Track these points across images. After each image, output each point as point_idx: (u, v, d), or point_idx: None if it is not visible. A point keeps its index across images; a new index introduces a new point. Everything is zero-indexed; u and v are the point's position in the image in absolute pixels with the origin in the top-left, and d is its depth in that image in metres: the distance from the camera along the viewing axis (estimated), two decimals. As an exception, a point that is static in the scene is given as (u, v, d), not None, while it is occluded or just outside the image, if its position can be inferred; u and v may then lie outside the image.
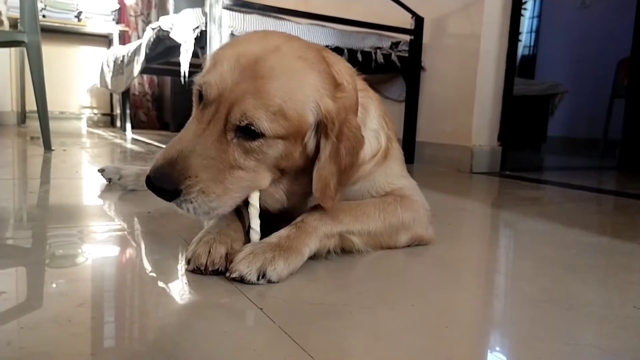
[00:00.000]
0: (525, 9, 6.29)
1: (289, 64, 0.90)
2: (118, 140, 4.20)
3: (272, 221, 1.10)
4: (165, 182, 0.84)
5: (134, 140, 4.27)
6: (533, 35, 6.55)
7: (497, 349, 0.71)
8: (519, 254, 1.23)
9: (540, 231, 1.47)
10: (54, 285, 0.84)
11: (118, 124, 5.87)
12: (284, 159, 0.92)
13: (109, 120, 6.17)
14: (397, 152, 1.19)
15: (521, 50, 6.32)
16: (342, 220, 1.01)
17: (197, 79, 0.93)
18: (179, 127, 5.29)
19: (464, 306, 0.87)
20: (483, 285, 1.00)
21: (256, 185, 0.94)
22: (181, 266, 0.96)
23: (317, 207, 1.01)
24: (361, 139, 0.98)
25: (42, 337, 0.64)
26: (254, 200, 0.96)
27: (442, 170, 3.05)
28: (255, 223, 0.97)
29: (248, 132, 0.87)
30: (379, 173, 1.13)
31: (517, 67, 3.09)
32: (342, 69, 1.02)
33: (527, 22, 6.50)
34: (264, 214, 1.06)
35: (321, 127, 0.92)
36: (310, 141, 0.93)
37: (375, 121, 1.12)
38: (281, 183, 0.98)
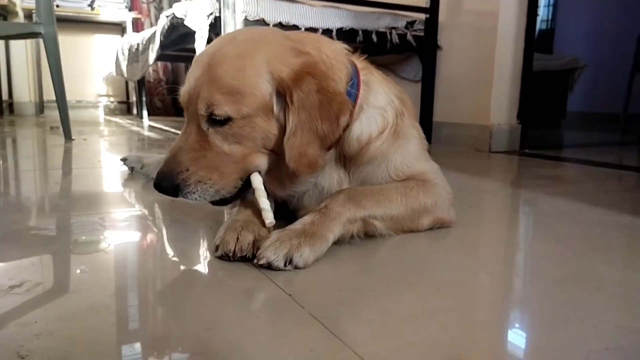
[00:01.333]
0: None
1: (240, 48, 0.96)
2: (135, 128, 4.25)
3: (295, 210, 1.12)
4: (164, 182, 0.94)
5: (151, 128, 4.31)
6: (551, 8, 6.40)
7: (522, 330, 0.72)
8: (542, 235, 1.22)
9: (562, 211, 1.46)
10: (85, 273, 0.87)
11: (134, 111, 5.92)
12: (265, 138, 0.96)
13: (125, 107, 6.22)
14: (413, 132, 1.18)
15: (539, 24, 6.18)
16: (364, 206, 1.02)
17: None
18: (195, 113, 5.25)
19: (488, 288, 0.88)
20: (506, 268, 1.00)
21: (252, 167, 0.98)
22: (208, 253, 0.98)
23: (340, 194, 1.02)
24: (343, 103, 0.97)
25: (82, 326, 0.66)
26: (257, 182, 0.99)
27: (461, 150, 3.02)
28: (265, 203, 0.99)
29: (217, 119, 0.93)
30: (394, 153, 1.12)
31: (535, 43, 3.03)
32: (324, 45, 1.04)
33: (544, -5, 6.35)
34: (285, 203, 1.08)
35: (282, 96, 0.94)
36: (279, 113, 0.95)
37: (381, 98, 1.11)
38: (281, 165, 0.98)
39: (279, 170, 1.00)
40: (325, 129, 0.95)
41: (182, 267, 0.93)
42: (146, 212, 1.33)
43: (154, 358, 0.61)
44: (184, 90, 0.97)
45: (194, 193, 0.94)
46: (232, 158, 0.95)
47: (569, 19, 6.20)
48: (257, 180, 0.99)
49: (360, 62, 1.12)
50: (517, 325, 0.73)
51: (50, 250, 0.99)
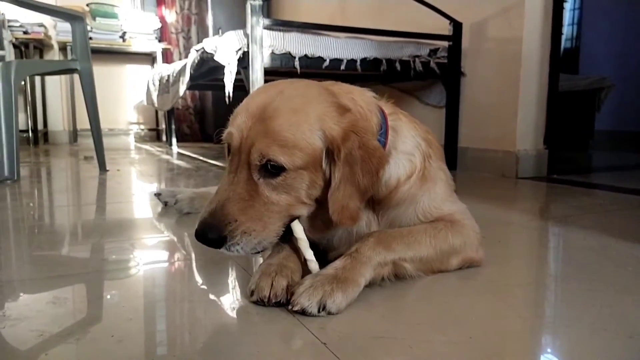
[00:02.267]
0: (566, 1, 6.13)
1: (291, 102, 0.98)
2: (165, 156, 4.36)
3: (326, 251, 1.15)
4: (211, 233, 0.94)
5: (180, 155, 4.42)
6: (575, 27, 6.36)
7: (557, 382, 0.73)
8: (572, 274, 1.22)
9: (592, 246, 1.45)
10: (131, 320, 0.91)
11: (164, 138, 6.08)
12: (311, 187, 0.99)
13: (155, 134, 6.39)
14: (440, 174, 1.21)
15: (563, 43, 6.15)
16: (394, 249, 1.05)
17: (223, 135, 1.03)
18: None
19: (520, 334, 0.89)
20: (538, 313, 1.01)
21: (295, 215, 1.01)
22: (243, 297, 1.01)
23: (370, 237, 1.05)
24: (382, 158, 1.01)
25: (100, 350, 0.70)
26: (299, 233, 1.03)
27: (487, 176, 3.02)
28: (309, 254, 1.03)
29: (270, 169, 0.95)
30: (422, 196, 1.15)
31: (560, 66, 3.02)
32: (357, 96, 1.09)
33: (568, 14, 6.31)
34: (315, 244, 1.11)
35: (330, 152, 0.97)
36: (326, 167, 0.99)
37: (408, 142, 1.15)
38: (320, 213, 1.03)
39: (316, 217, 1.04)
40: (366, 182, 0.99)
41: (218, 311, 0.97)
42: (182, 251, 1.38)
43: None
44: (234, 137, 0.98)
45: (238, 245, 0.94)
46: (278, 208, 0.97)
47: (594, 36, 6.15)
48: (299, 231, 1.02)
49: (387, 107, 1.16)
50: (549, 376, 0.74)
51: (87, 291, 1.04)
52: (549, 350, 0.83)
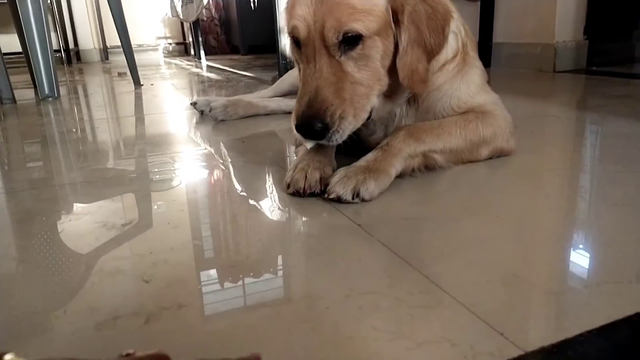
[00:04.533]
0: None
1: None
2: (195, 69, 4.37)
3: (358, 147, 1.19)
4: (314, 123, 0.94)
5: (210, 68, 4.42)
6: None
7: (580, 250, 0.77)
8: (604, 159, 1.23)
9: (628, 133, 1.44)
10: (182, 211, 1.00)
11: (192, 51, 6.04)
12: (384, 57, 1.00)
13: (182, 49, 6.36)
14: (477, 62, 1.21)
15: None
16: (424, 141, 1.07)
17: (286, 29, 1.02)
18: (249, 50, 5.32)
19: (547, 212, 0.93)
20: (566, 192, 1.03)
21: (375, 96, 1.01)
22: (281, 191, 1.08)
23: (400, 130, 1.08)
24: (446, 13, 1.01)
25: (188, 256, 0.79)
26: None
27: (523, 71, 2.93)
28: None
29: (348, 42, 0.95)
30: (460, 82, 1.16)
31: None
32: None
33: None
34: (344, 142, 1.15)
35: (395, 15, 0.97)
36: (394, 32, 0.99)
37: (454, 23, 1.12)
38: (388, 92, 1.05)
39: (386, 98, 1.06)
40: (433, 42, 0.99)
41: (261, 204, 1.04)
42: (222, 152, 1.44)
43: (250, 278, 0.72)
44: (301, 28, 0.97)
45: (337, 132, 0.95)
46: (363, 88, 0.98)
47: None
48: None
49: None
50: (575, 245, 0.79)
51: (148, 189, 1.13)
52: (574, 224, 0.87)
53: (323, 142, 0.97)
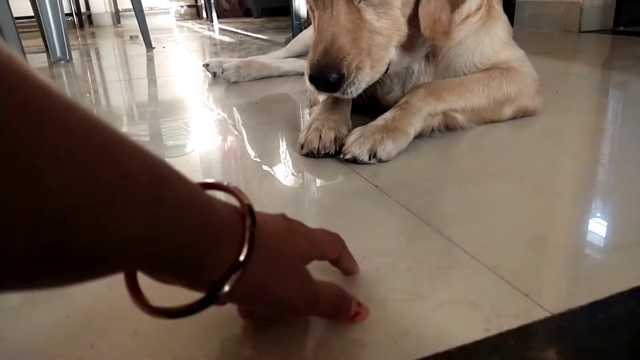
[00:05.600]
0: None
1: None
2: (207, 32, 4.30)
3: (377, 106, 1.15)
4: (329, 73, 0.87)
5: (222, 31, 4.34)
6: None
7: (603, 213, 0.74)
8: (629, 120, 1.17)
9: (658, 92, 1.37)
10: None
11: (204, 15, 5.94)
12: (405, 5, 0.93)
13: (194, 12, 6.25)
14: (502, 16, 1.15)
15: None
16: (445, 99, 1.03)
17: None
18: (262, 12, 5.21)
19: (572, 174, 0.89)
20: (591, 153, 0.99)
21: (394, 46, 0.95)
22: (294, 151, 1.05)
23: (420, 88, 1.03)
24: None
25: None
26: None
27: (547, 31, 2.81)
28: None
29: None
30: (484, 36, 1.10)
31: None
32: None
33: None
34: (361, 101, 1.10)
35: None
36: None
37: None
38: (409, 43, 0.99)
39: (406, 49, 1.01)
40: None
41: (275, 168, 1.02)
42: (234, 115, 1.41)
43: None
44: None
45: (353, 84, 0.88)
46: (382, 38, 0.92)
47: None
48: None
49: None
50: (598, 208, 0.75)
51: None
52: (599, 186, 0.83)
53: (337, 94, 0.91)
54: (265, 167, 0.99)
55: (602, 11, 2.73)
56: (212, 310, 0.38)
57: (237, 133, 1.24)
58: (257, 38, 3.48)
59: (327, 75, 0.87)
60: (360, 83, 0.90)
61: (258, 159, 1.05)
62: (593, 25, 2.71)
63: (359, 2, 0.90)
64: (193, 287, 0.37)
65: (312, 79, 0.90)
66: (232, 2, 6.18)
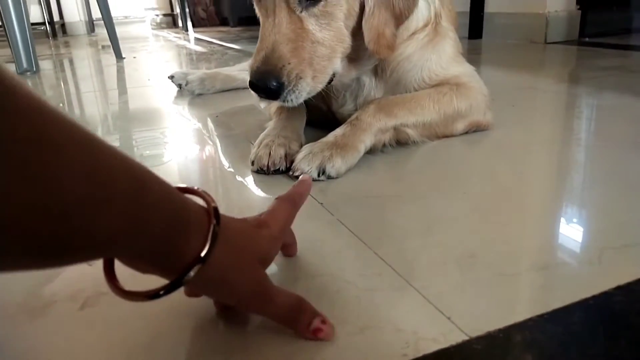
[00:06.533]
0: None
1: None
2: (182, 42, 4.28)
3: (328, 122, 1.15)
4: (268, 80, 0.87)
5: (197, 40, 4.32)
6: None
7: (535, 232, 0.75)
8: (584, 133, 1.20)
9: (612, 106, 1.40)
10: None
11: (180, 23, 5.91)
12: (348, 17, 0.94)
13: (171, 20, 6.22)
14: (450, 33, 1.16)
15: None
16: (396, 115, 1.04)
17: None
18: (238, 21, 5.21)
19: (519, 190, 0.90)
20: (537, 169, 1.01)
21: (337, 58, 0.95)
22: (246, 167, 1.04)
23: (370, 104, 1.04)
24: None
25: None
26: None
27: (514, 42, 2.86)
28: None
29: None
30: (431, 52, 1.11)
31: None
32: None
33: None
34: (317, 116, 1.11)
35: None
36: None
37: None
38: (352, 56, 0.99)
39: (349, 63, 1.01)
40: (402, 5, 0.94)
41: (222, 182, 1.01)
42: (192, 127, 1.41)
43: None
44: None
45: (293, 92, 0.89)
46: (324, 49, 0.91)
47: None
48: None
49: None
50: (532, 226, 0.76)
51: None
52: (538, 202, 0.85)
53: (278, 102, 0.91)
54: (211, 179, 0.99)
55: (568, 22, 2.79)
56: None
57: (192, 146, 1.23)
58: (229, 48, 3.48)
59: (266, 82, 0.88)
60: (300, 92, 0.90)
61: (208, 172, 1.05)
62: (559, 37, 2.77)
63: (301, 11, 0.90)
64: (163, 273, 0.42)
65: (252, 85, 0.90)
66: (209, 10, 6.17)
